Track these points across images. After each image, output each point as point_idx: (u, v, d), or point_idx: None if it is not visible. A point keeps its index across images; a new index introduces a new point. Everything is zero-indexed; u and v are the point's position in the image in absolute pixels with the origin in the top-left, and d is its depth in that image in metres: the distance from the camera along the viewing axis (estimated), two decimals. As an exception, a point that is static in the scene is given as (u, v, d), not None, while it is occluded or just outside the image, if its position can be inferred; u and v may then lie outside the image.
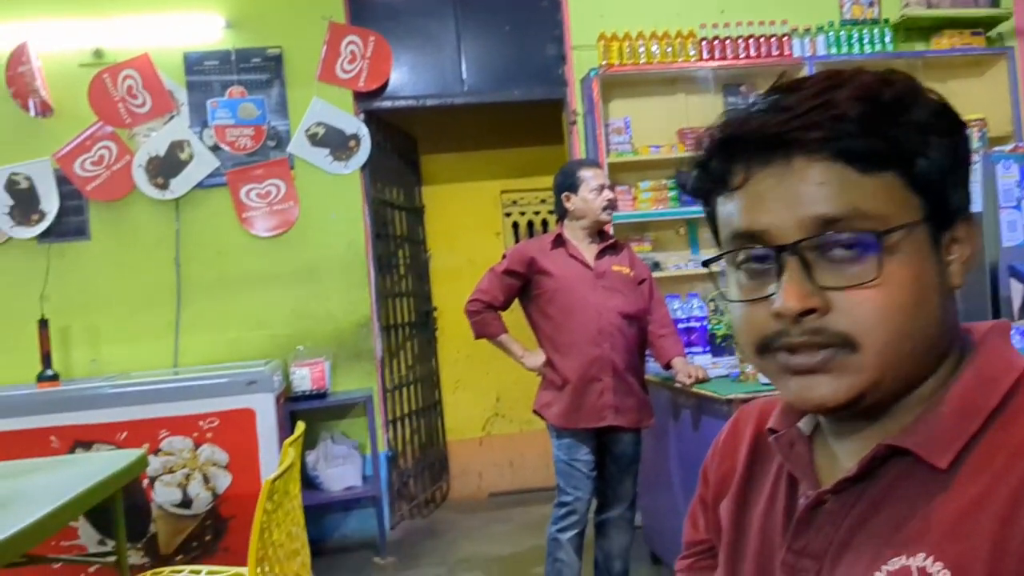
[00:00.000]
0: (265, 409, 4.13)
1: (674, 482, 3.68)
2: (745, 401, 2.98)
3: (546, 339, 3.44)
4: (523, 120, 5.80)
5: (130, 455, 2.94)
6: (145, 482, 4.01)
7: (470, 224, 6.21)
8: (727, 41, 5.00)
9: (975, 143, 4.85)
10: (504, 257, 3.55)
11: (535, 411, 3.51)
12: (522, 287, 3.46)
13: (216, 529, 4.09)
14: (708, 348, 4.01)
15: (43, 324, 4.44)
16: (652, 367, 3.65)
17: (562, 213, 3.50)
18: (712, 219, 0.87)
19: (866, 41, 5.11)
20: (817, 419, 0.91)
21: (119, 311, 4.75)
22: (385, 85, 5.00)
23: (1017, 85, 5.14)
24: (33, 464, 2.99)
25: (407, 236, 5.75)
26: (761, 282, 0.81)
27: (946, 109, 0.80)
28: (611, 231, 3.60)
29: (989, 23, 5.29)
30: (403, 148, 5.80)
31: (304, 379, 4.66)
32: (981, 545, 0.71)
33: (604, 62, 4.88)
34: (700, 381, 3.30)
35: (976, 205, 3.78)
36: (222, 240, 4.84)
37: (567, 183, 3.42)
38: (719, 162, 0.83)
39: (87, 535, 3.98)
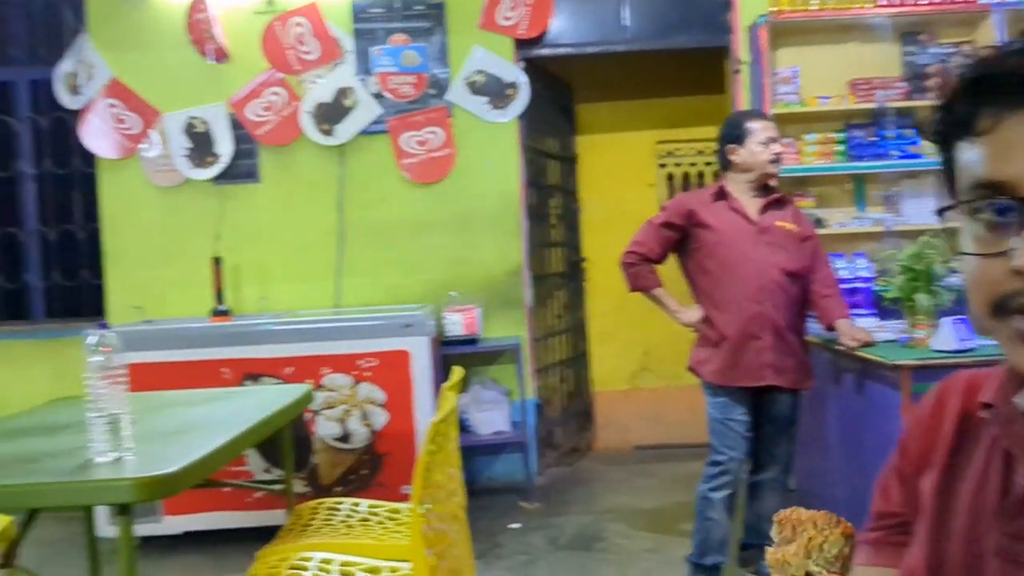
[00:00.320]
0: (420, 352, 4.25)
1: (831, 446, 3.57)
2: (914, 368, 2.86)
3: (703, 295, 3.37)
4: (683, 68, 5.66)
5: (298, 390, 3.08)
6: (308, 415, 4.20)
7: (623, 175, 6.14)
8: (907, -15, 4.70)
9: None
10: (662, 209, 3.49)
11: (690, 368, 3.46)
12: (680, 240, 3.40)
13: (372, 464, 4.25)
14: (874, 310, 3.85)
15: (217, 262, 4.68)
16: (813, 328, 3.53)
17: (725, 165, 3.40)
18: (948, 166, 0.81)
19: (1065, -16, 4.69)
20: None
21: (286, 252, 4.96)
22: (545, 32, 4.96)
23: None
24: (209, 394, 3.17)
25: (560, 186, 5.74)
26: (1001, 235, 0.74)
27: None
28: (776, 185, 3.46)
29: None
30: (559, 97, 5.77)
31: (456, 324, 4.75)
32: None
33: (773, 8, 4.68)
34: (865, 344, 3.17)
35: None
36: (382, 186, 4.96)
37: (733, 134, 3.31)
38: (965, 104, 0.77)
39: (254, 462, 4.22)
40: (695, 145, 6.21)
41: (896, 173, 4.75)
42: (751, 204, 3.35)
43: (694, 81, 5.76)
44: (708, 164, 6.25)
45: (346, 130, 4.89)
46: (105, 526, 3.87)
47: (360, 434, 4.24)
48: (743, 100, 4.90)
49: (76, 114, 4.92)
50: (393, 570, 2.31)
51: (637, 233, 3.47)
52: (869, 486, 3.21)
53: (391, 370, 4.23)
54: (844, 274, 3.87)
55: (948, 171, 0.81)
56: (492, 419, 4.75)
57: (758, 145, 3.27)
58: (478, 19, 4.90)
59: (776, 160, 3.30)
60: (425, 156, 4.93)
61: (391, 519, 2.80)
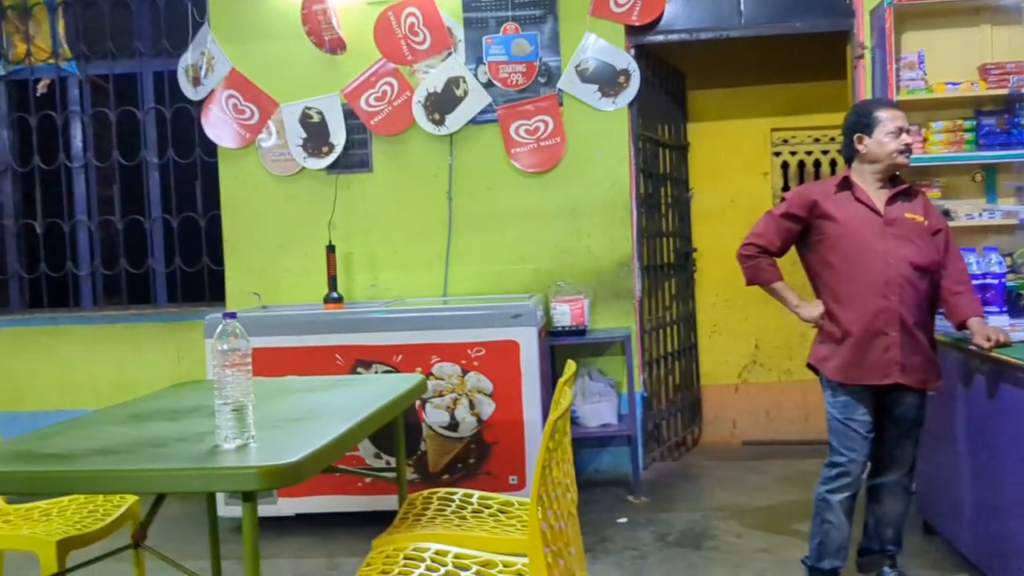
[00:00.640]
0: (528, 342, 4.23)
1: (959, 451, 3.40)
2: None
3: (825, 289, 3.25)
4: (800, 54, 5.48)
5: (412, 379, 3.10)
6: (417, 403, 4.23)
7: (736, 163, 5.98)
8: (1048, -37, 4.43)
9: None
10: (783, 199, 3.37)
11: (809, 365, 3.34)
12: (801, 232, 3.28)
13: (480, 453, 4.26)
14: (1005, 308, 3.64)
15: (330, 249, 4.76)
16: (941, 326, 3.36)
17: (851, 155, 3.26)
18: None
19: None
20: None
21: (396, 240, 5.01)
22: (658, 18, 4.87)
23: None
24: (326, 381, 3.22)
25: (670, 174, 5.63)
26: None
27: None
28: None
29: None
30: (671, 84, 5.66)
31: (564, 315, 4.72)
32: None
33: (900, -10, 4.48)
34: (1000, 345, 3.00)
35: None
36: (491, 175, 4.96)
37: (861, 123, 3.17)
38: None
39: (364, 448, 4.28)
40: (812, 132, 6.00)
41: (1031, 163, 4.50)
42: (877, 195, 3.21)
43: (812, 66, 5.56)
44: (824, 152, 6.04)
45: (456, 119, 4.90)
46: (223, 506, 4.00)
47: (468, 422, 4.26)
48: (865, 86, 4.71)
49: (198, 105, 5.07)
50: (507, 564, 2.30)
51: (756, 224, 3.36)
52: (999, 492, 3.07)
53: (499, 360, 4.23)
54: (974, 269, 3.66)
55: None
56: (600, 411, 4.71)
57: (887, 135, 3.12)
58: (590, 6, 4.84)
59: (906, 151, 3.15)
60: (535, 145, 4.91)
61: (503, 512, 2.80)
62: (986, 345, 3.00)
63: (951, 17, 4.63)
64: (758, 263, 3.32)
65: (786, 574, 3.52)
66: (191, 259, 5.30)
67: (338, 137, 4.96)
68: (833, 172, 5.99)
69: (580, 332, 4.72)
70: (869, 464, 3.26)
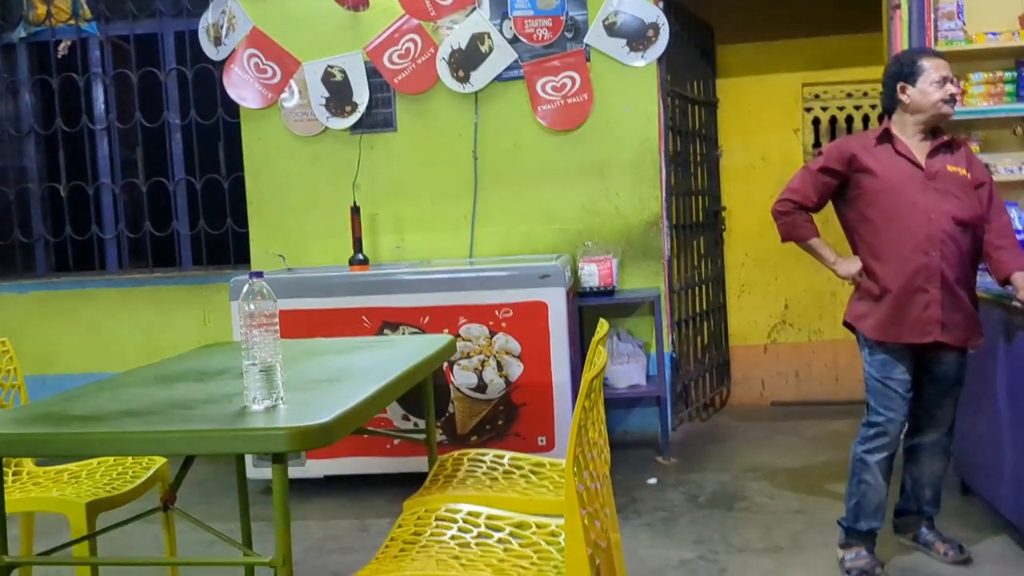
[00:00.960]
0: (557, 303, 4.17)
1: (999, 410, 3.32)
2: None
3: (864, 245, 3.16)
4: (832, 5, 5.33)
5: (440, 340, 3.06)
6: (444, 365, 4.19)
7: (766, 120, 5.86)
8: (1096, -95, 4.26)
9: None
10: (820, 153, 3.27)
11: (846, 323, 3.26)
12: (839, 187, 3.18)
13: (508, 415, 4.23)
14: (1049, 264, 3.55)
15: (355, 211, 4.71)
16: (982, 282, 3.27)
17: (891, 106, 3.15)
18: None
19: None
20: None
21: (421, 200, 4.95)
22: (688, -30, 4.74)
23: None
24: (354, 343, 3.19)
25: (699, 131, 5.52)
26: None
27: None
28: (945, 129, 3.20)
29: None
30: (699, 38, 5.53)
31: (592, 275, 4.65)
32: None
33: (939, -64, 4.32)
34: (1047, 301, 2.91)
35: None
36: (517, 133, 4.88)
37: (904, 72, 3.06)
38: None
39: (392, 410, 4.26)
40: (844, 87, 5.86)
41: (1074, 115, 4.36)
42: (918, 148, 3.11)
43: (845, 19, 5.41)
44: (857, 108, 5.90)
45: (481, 77, 4.81)
46: (252, 468, 3.99)
47: (496, 384, 4.22)
48: (902, 38, 4.56)
49: (219, 65, 5.01)
50: (540, 526, 2.26)
51: (792, 180, 3.27)
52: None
53: (527, 321, 4.18)
54: (1017, 225, 3.56)
55: None
56: (628, 372, 4.65)
57: (931, 85, 3.01)
58: (617, -42, 4.71)
59: (951, 101, 3.04)
60: (561, 102, 4.81)
61: (535, 473, 2.76)
62: (1031, 301, 2.91)
63: (991, -36, 4.48)
64: (794, 219, 3.23)
65: (821, 535, 3.47)
66: (215, 221, 5.27)
67: (361, 96, 4.89)
68: (865, 128, 5.85)
69: (608, 292, 4.65)
70: (907, 424, 3.19)
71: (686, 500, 4.02)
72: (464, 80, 4.82)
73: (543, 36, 4.76)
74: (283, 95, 4.95)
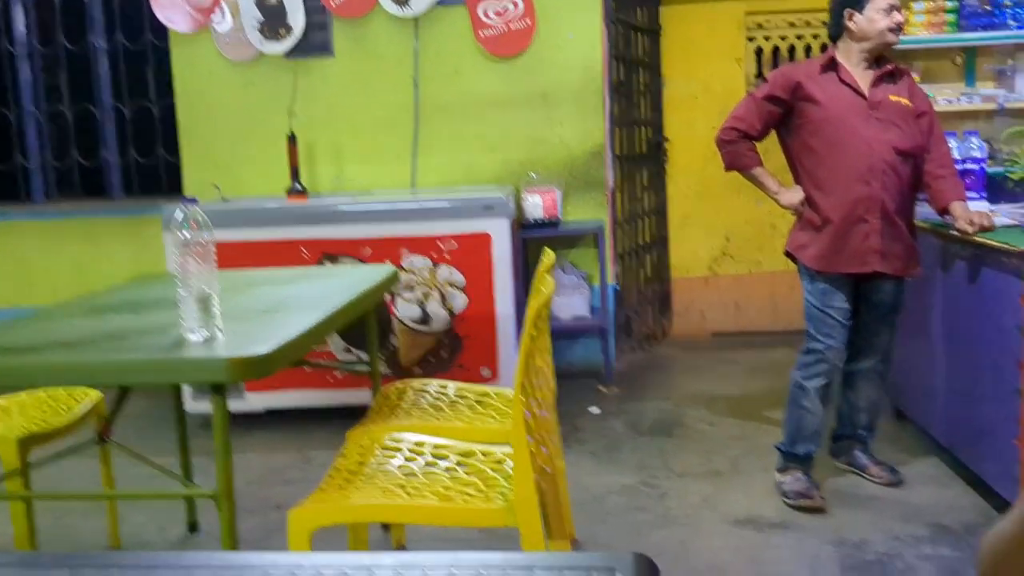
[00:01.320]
0: (501, 234, 4.14)
1: (934, 337, 3.40)
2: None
3: (806, 175, 3.17)
4: (777, -67, 5.27)
5: (383, 271, 3.01)
6: (387, 297, 4.14)
7: (709, 49, 5.80)
8: None
9: None
10: (765, 81, 3.25)
11: (787, 252, 3.29)
12: (783, 116, 3.17)
13: (452, 347, 4.21)
14: (984, 194, 3.62)
15: (292, 139, 4.58)
16: (921, 211, 3.31)
17: (837, 33, 3.14)
18: None
19: None
20: None
21: (360, 129, 4.83)
22: None
23: None
24: (294, 273, 3.12)
25: (643, 60, 5.46)
26: None
27: None
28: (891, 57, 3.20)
29: None
30: (644, -36, 5.44)
31: (536, 207, 4.61)
32: None
33: None
34: (984, 229, 2.95)
35: None
36: (459, 60, 4.76)
37: (852, -1, 3.04)
38: None
39: (335, 343, 4.20)
40: (787, 16, 5.82)
41: (1011, 46, 4.39)
42: (863, 77, 3.11)
43: (789, -54, 5.37)
44: (799, 38, 5.87)
45: (422, 0, 4.67)
46: (191, 401, 3.92)
47: (440, 316, 4.19)
48: (846, -34, 4.53)
49: (146, -15, 4.78)
50: (486, 454, 2.25)
51: (736, 107, 3.26)
52: (980, 375, 3.07)
53: (471, 253, 4.14)
54: (955, 155, 3.61)
55: None
56: (572, 304, 4.65)
57: (878, 12, 3.00)
58: None
59: (896, 29, 3.04)
60: (504, 27, 4.70)
61: (480, 402, 2.75)
62: (969, 229, 2.95)
63: None
64: (738, 148, 3.22)
65: (759, 459, 3.55)
66: (146, 150, 5.09)
67: (296, 19, 4.71)
68: (807, 58, 5.84)
69: (553, 224, 4.62)
70: (845, 350, 3.25)
71: (628, 428, 4.07)
72: (403, 3, 4.67)
73: (485, -41, 4.63)
74: (214, 18, 4.75)
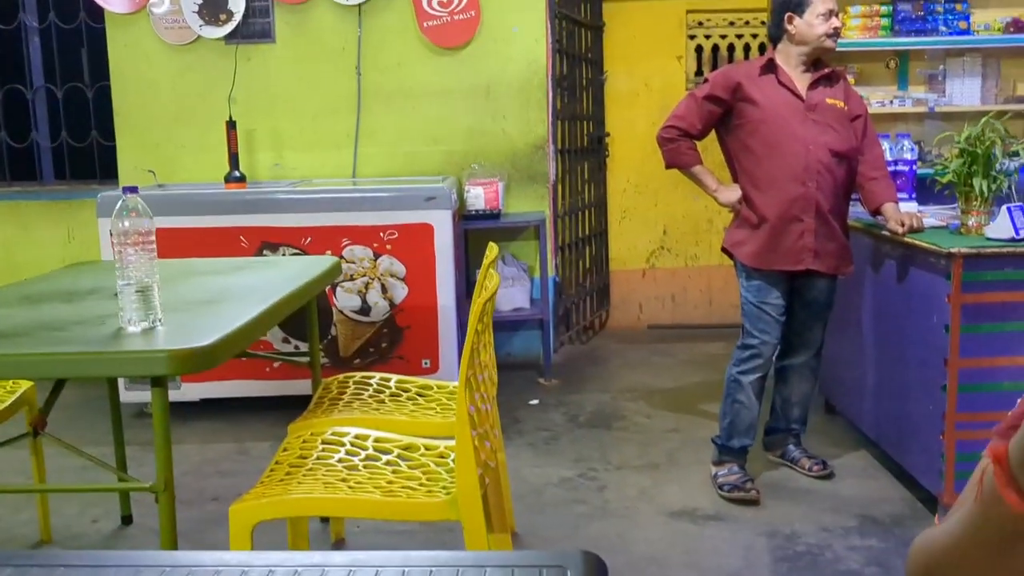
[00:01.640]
0: (443, 225, 4.13)
1: (864, 334, 3.50)
2: (967, 256, 2.76)
3: (744, 174, 3.23)
4: (719, -68, 5.34)
5: (325, 262, 2.98)
6: (327, 287, 4.11)
7: (650, 46, 5.87)
8: None
9: None
10: (706, 81, 3.30)
11: (724, 249, 3.35)
12: (723, 115, 3.23)
13: (392, 338, 4.20)
14: (914, 195, 3.72)
15: (231, 125, 4.51)
16: (854, 211, 3.41)
17: (777, 35, 3.21)
18: None
19: None
20: None
21: (301, 117, 4.78)
22: None
23: None
24: (234, 263, 3.08)
25: (586, 55, 5.50)
26: None
27: None
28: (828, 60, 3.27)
29: None
30: (588, -41, 5.47)
31: (478, 198, 4.62)
32: None
33: None
34: (914, 230, 3.05)
35: None
36: (402, 50, 4.74)
37: (793, 3, 3.10)
38: None
39: (272, 333, 4.16)
40: (727, 16, 5.91)
41: (942, 51, 4.54)
42: (800, 79, 3.18)
43: (730, -54, 5.45)
44: (739, 37, 5.97)
45: (366, -11, 4.63)
46: (124, 391, 3.85)
47: (380, 307, 4.17)
48: (786, -32, 4.62)
49: (80, -37, 4.66)
50: (429, 448, 2.26)
51: (677, 106, 3.30)
52: (908, 372, 3.15)
53: (413, 243, 4.13)
54: (887, 156, 3.71)
55: None
56: (513, 296, 4.68)
57: (817, 17, 3.07)
58: None
59: (834, 35, 3.11)
60: (448, 18, 4.69)
61: (422, 395, 2.75)
62: (900, 230, 3.04)
63: (873, -101, 4.56)
64: (678, 146, 3.27)
65: (696, 452, 3.61)
66: (79, 133, 4.96)
67: (237, 4, 4.63)
68: (746, 56, 5.94)
69: (494, 216, 4.63)
70: (779, 346, 3.33)
71: (567, 420, 4.11)
72: (347, -8, 4.63)
73: (430, -51, 4.61)
74: (152, 0, 4.65)
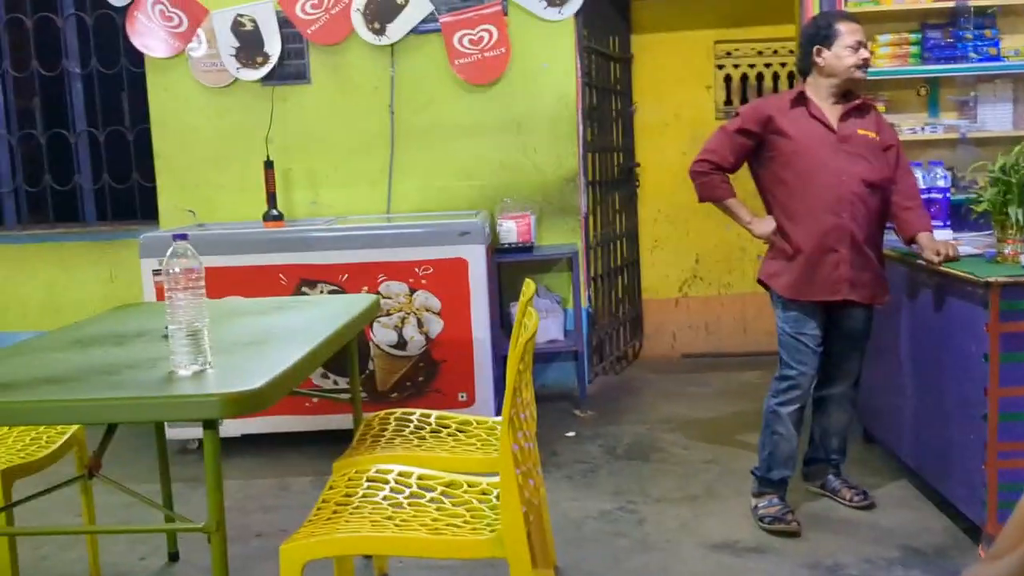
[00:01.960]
0: (476, 259, 4.18)
1: (902, 362, 3.49)
2: (1005, 285, 2.75)
3: (778, 206, 3.25)
4: (745, -36, 5.40)
5: (364, 300, 3.03)
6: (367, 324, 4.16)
7: (679, 76, 5.93)
8: None
9: None
10: (737, 115, 3.33)
11: (760, 280, 3.36)
12: (755, 148, 3.26)
13: (428, 371, 4.24)
14: (949, 223, 3.72)
15: (268, 165, 4.60)
16: (889, 240, 3.41)
17: (806, 68, 3.23)
18: None
19: None
20: None
21: (336, 155, 4.86)
22: (606, -75, 4.72)
23: None
24: (276, 303, 3.14)
25: (615, 87, 5.56)
26: None
27: None
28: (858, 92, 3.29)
29: None
30: (615, -6, 5.54)
31: (510, 232, 4.67)
32: None
33: None
34: (950, 259, 3.05)
35: None
36: (434, 88, 4.82)
37: (821, 35, 3.13)
38: None
39: (311, 368, 4.21)
40: (755, 45, 5.96)
41: (973, 77, 4.54)
42: (832, 111, 3.20)
43: (757, -23, 5.50)
44: (767, 66, 6.01)
45: (397, 29, 4.72)
46: (168, 428, 3.91)
47: (416, 341, 4.22)
48: (813, -2, 4.66)
49: (122, 12, 4.78)
50: (472, 484, 2.29)
51: (709, 140, 3.33)
52: (947, 401, 3.14)
53: (447, 278, 4.18)
54: (920, 184, 3.71)
55: None
56: (547, 327, 4.71)
57: (846, 49, 3.09)
58: (535, -90, 4.66)
59: (863, 66, 3.13)
60: (479, 56, 4.77)
61: (462, 431, 2.78)
62: (936, 259, 3.04)
63: (898, -72, 4.58)
64: (711, 180, 3.30)
65: (734, 484, 3.61)
66: (120, 175, 5.08)
67: (273, 47, 4.75)
68: (775, 86, 5.98)
69: (527, 249, 4.68)
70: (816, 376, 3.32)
71: (604, 452, 4.11)
72: (380, 32, 4.73)
73: (461, -12, 4.70)
74: (190, 44, 4.77)
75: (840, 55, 3.10)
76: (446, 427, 2.80)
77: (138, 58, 4.85)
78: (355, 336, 2.97)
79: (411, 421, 2.83)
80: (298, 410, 4.21)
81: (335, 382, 4.22)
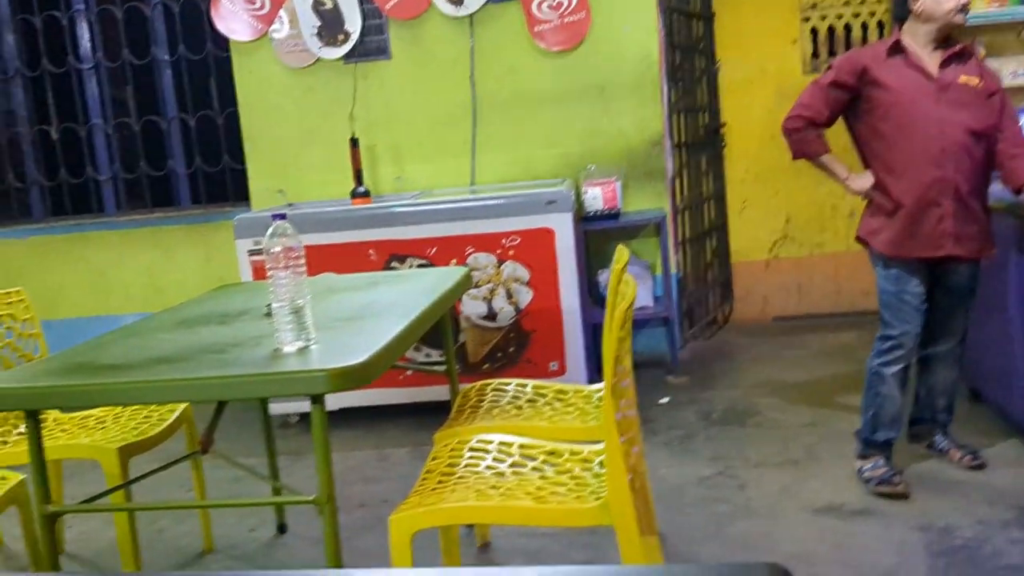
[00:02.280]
0: (563, 228, 4.16)
1: (1010, 318, 3.35)
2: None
3: (877, 160, 3.14)
4: (830, -89, 5.20)
5: (456, 273, 3.05)
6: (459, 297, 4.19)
7: (764, 31, 5.75)
8: None
9: None
10: (830, 67, 3.22)
11: (859, 238, 3.26)
12: (850, 101, 3.15)
13: (519, 341, 4.25)
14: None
15: (354, 142, 4.64)
16: (995, 191, 3.27)
17: (903, 15, 3.11)
18: None
19: None
20: None
21: (419, 129, 4.88)
22: None
23: None
24: (370, 278, 3.18)
25: (698, 46, 5.44)
26: None
27: None
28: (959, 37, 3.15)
29: None
30: (695, -50, 5.41)
31: (596, 199, 4.63)
32: None
33: None
34: (1063, 208, 2.91)
35: None
36: (514, 56, 4.79)
37: (917, -20, 3.01)
38: None
39: (404, 342, 4.26)
40: (842, -5, 5.76)
41: (1078, 16, 4.32)
42: (930, 59, 3.07)
43: (843, -76, 5.29)
44: (856, 16, 5.80)
45: (476, -1, 4.70)
46: (271, 402, 4.01)
47: (506, 312, 4.23)
48: (904, -58, 4.46)
49: (206, -4, 4.88)
50: (574, 452, 2.29)
51: (801, 95, 3.23)
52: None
53: (535, 248, 4.17)
54: (1025, 131, 3.54)
55: None
56: (637, 294, 4.65)
57: (944, -8, 2.96)
58: None
59: (963, 9, 2.99)
60: (559, 21, 4.71)
61: (559, 400, 2.79)
62: (1047, 210, 2.91)
63: None
64: (805, 136, 3.20)
65: (836, 447, 3.54)
66: (211, 159, 5.20)
67: (353, 24, 4.78)
68: (865, 37, 5.76)
69: (613, 216, 4.63)
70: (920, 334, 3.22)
71: (700, 418, 4.08)
72: (458, 3, 4.71)
73: (538, -46, 4.64)
74: (273, 26, 4.84)
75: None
76: (543, 396, 2.81)
77: (224, 43, 4.93)
78: (448, 309, 2.99)
79: (507, 391, 2.84)
80: (392, 383, 4.27)
81: (427, 355, 4.27)
